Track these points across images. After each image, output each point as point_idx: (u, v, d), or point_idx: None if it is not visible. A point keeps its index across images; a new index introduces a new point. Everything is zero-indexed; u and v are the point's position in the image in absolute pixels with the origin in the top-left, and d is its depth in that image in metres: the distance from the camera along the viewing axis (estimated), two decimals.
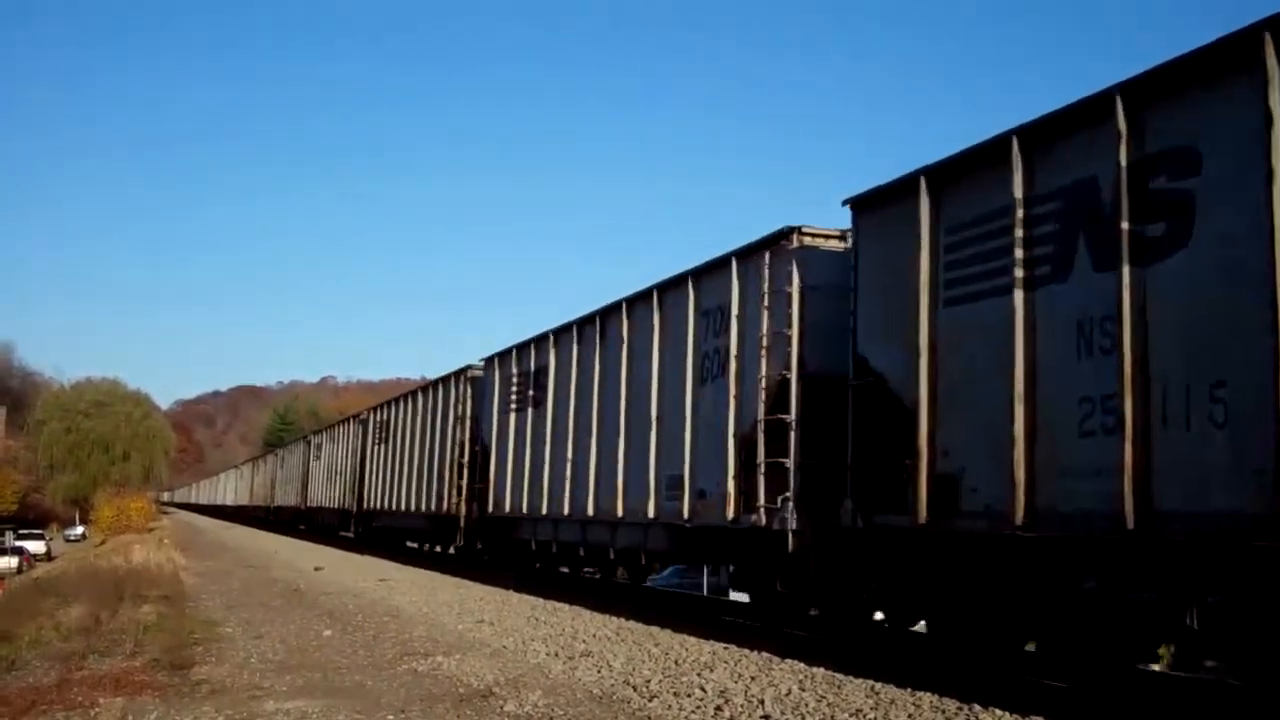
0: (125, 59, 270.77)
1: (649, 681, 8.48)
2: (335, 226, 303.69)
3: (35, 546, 48.63)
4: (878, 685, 7.96)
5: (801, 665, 9.00)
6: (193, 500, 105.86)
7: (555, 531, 15.81)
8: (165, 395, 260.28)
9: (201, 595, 17.30)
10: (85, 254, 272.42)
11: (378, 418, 29.17)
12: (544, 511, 15.84)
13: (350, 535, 32.44)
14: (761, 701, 7.58)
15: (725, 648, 10.13)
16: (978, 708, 7.06)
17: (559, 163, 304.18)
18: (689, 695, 7.91)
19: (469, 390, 20.86)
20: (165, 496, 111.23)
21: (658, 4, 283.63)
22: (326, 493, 35.84)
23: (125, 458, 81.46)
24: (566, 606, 14.11)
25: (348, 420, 34.38)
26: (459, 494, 20.37)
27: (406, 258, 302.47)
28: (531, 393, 16.83)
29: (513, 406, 17.65)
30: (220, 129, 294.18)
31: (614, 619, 12.65)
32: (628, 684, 8.44)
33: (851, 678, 8.30)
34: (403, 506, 24.99)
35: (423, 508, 23.05)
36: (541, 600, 15.01)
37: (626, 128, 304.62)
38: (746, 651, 9.83)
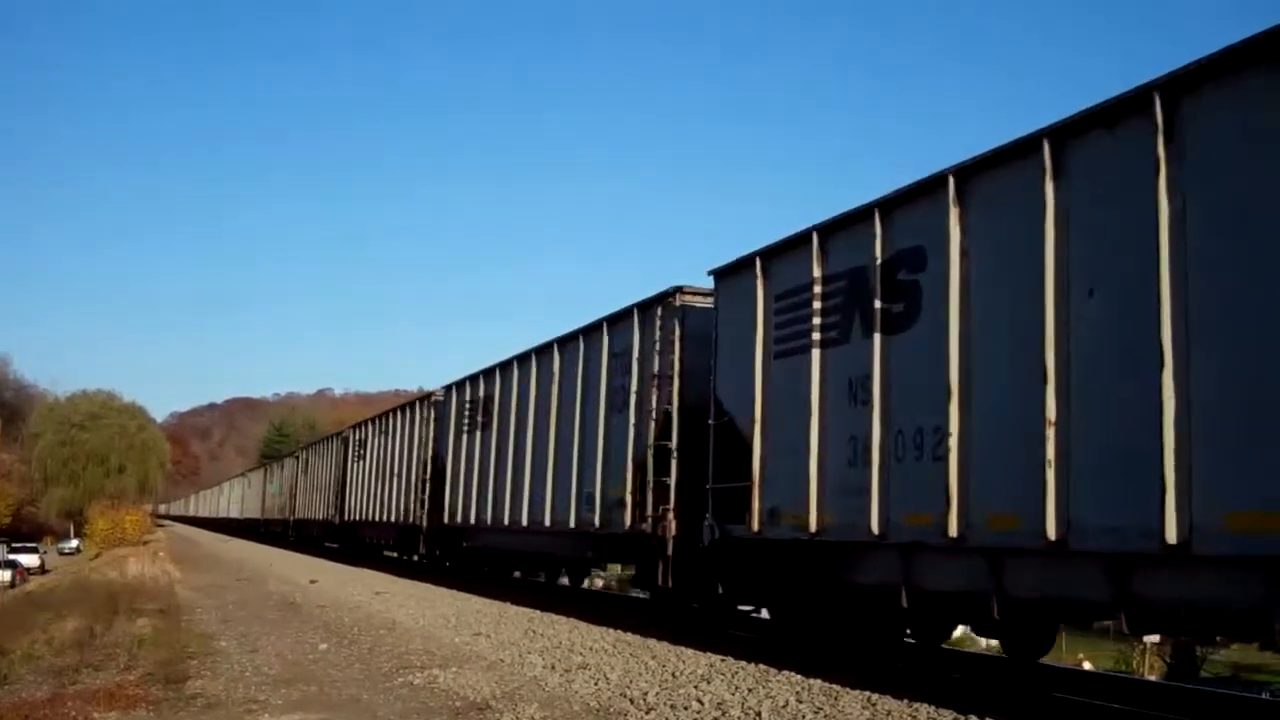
0: (123, 68, 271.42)
1: (646, 694, 8.45)
2: (331, 238, 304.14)
3: (29, 560, 48.67)
4: (874, 696, 7.94)
5: (798, 677, 8.97)
6: (190, 513, 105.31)
7: (970, 577, 7.90)
8: (160, 407, 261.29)
9: (196, 609, 17.25)
10: (80, 267, 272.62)
11: (463, 396, 20.84)
12: (954, 533, 7.78)
13: (403, 556, 26.20)
14: (759, 714, 7.56)
15: (723, 659, 10.10)
16: (974, 719, 7.04)
17: (560, 173, 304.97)
18: (686, 708, 7.88)
19: (676, 328, 12.57)
20: (161, 509, 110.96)
21: (647, 7, 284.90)
22: (376, 503, 27.79)
23: (120, 470, 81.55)
24: (564, 619, 14.07)
25: (411, 405, 25.68)
26: (653, 502, 12.44)
27: (402, 270, 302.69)
28: (879, 304, 8.82)
29: (817, 339, 9.61)
30: (215, 142, 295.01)
31: (611, 631, 12.61)
32: (624, 696, 8.41)
33: (848, 689, 8.27)
34: (521, 520, 16.79)
35: (570, 523, 14.94)
36: (539, 612, 14.96)
37: (624, 133, 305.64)
38: (744, 663, 9.80)
